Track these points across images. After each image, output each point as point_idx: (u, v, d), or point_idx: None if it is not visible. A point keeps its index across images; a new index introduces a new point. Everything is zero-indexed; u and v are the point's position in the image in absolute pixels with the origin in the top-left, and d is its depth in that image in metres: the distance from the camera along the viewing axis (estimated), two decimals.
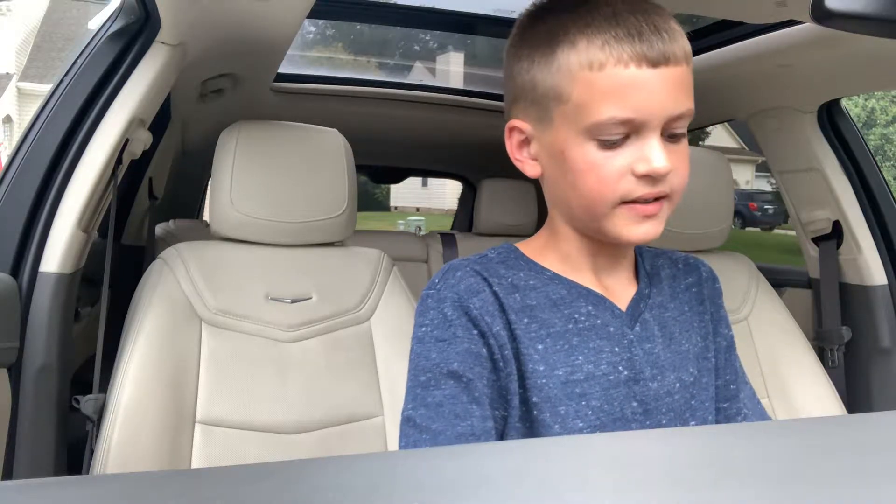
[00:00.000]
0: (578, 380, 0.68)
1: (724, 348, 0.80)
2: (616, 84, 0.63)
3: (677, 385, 0.72)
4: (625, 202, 0.66)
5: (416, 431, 0.65)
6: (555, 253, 0.74)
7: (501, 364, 0.67)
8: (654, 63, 0.63)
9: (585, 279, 0.73)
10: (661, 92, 0.64)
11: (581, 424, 0.67)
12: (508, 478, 0.27)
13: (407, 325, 1.30)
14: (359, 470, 0.28)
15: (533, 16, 0.72)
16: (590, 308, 0.71)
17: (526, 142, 0.72)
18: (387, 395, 1.25)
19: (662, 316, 0.75)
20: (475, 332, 0.67)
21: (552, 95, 0.66)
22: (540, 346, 0.68)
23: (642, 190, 0.65)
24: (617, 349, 0.70)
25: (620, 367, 0.69)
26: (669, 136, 0.66)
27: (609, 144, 0.64)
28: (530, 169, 0.72)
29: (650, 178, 0.65)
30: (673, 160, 0.65)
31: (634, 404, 0.69)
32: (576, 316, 0.70)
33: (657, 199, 0.66)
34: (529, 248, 0.76)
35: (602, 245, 0.73)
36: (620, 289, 0.74)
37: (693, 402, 0.74)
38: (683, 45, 0.66)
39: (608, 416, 0.68)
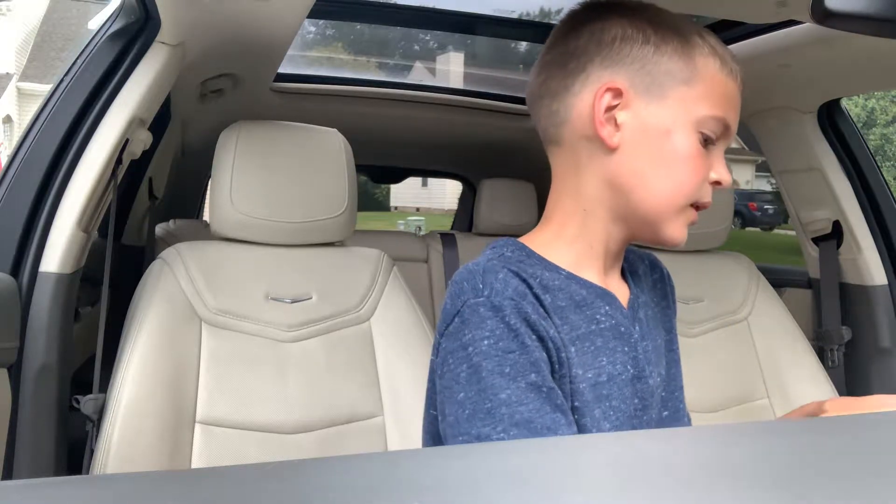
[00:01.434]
0: (603, 381, 0.68)
1: (677, 340, 0.83)
2: (728, 93, 0.70)
3: (658, 379, 0.75)
4: (692, 205, 0.71)
5: None
6: (566, 249, 0.72)
7: (557, 366, 0.65)
8: (741, 90, 0.72)
9: (594, 277, 0.72)
10: (737, 117, 0.72)
11: (607, 426, 0.67)
12: (508, 478, 0.27)
13: (407, 324, 1.31)
14: (359, 470, 0.28)
15: (661, 13, 0.72)
16: (607, 308, 0.71)
17: (613, 108, 0.69)
18: (387, 395, 1.25)
19: (647, 314, 0.77)
20: (535, 337, 0.64)
21: (679, 77, 0.68)
22: (573, 349, 0.67)
23: (710, 197, 0.71)
24: (626, 348, 0.70)
25: (629, 366, 0.70)
26: None
27: (706, 142, 0.69)
28: (609, 136, 0.68)
29: (716, 186, 0.71)
30: None
31: (636, 401, 0.70)
32: (597, 316, 0.70)
33: None
34: (535, 243, 0.73)
35: (626, 239, 0.73)
36: (617, 287, 0.75)
37: (664, 394, 0.76)
38: None
39: (623, 414, 0.69)
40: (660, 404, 0.75)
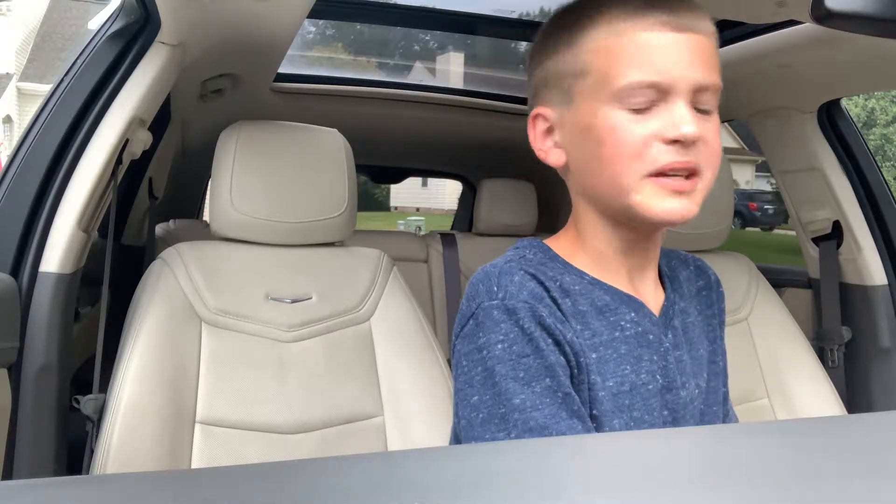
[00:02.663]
0: (625, 391, 0.66)
1: (724, 351, 0.80)
2: (640, 47, 0.63)
3: (696, 391, 0.72)
4: (652, 175, 0.63)
5: None
6: (586, 253, 0.71)
7: (576, 372, 0.64)
8: (679, 28, 0.63)
9: (620, 282, 0.70)
10: (687, 57, 0.63)
11: None
12: (508, 478, 0.27)
13: (407, 324, 1.30)
14: (359, 470, 0.28)
15: (556, 16, 0.72)
16: (632, 315, 0.69)
17: (549, 131, 0.70)
18: (387, 396, 1.25)
19: (685, 322, 0.74)
20: (551, 341, 0.62)
21: (572, 73, 0.67)
22: (594, 356, 0.65)
23: (670, 157, 0.63)
24: (655, 357, 0.68)
25: (657, 376, 0.68)
26: (697, 111, 0.64)
27: (636, 110, 0.63)
28: (554, 158, 0.70)
29: (679, 145, 0.62)
30: (703, 130, 0.63)
31: (665, 413, 0.68)
32: (622, 323, 0.68)
33: (688, 176, 0.64)
34: (559, 247, 0.72)
35: (633, 240, 0.70)
36: (650, 293, 0.73)
37: (703, 407, 0.73)
38: (708, 21, 0.66)
39: (648, 426, 0.67)
40: (697, 418, 0.72)
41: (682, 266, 0.80)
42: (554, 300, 0.65)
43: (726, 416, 0.80)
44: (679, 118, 0.62)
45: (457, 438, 0.70)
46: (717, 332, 0.79)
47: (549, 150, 0.70)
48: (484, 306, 0.64)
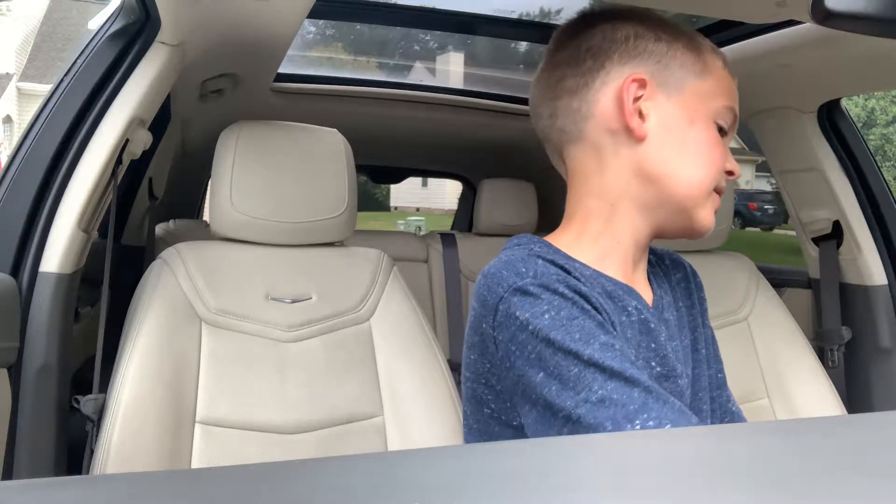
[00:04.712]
0: None
1: (710, 338, 0.82)
2: (732, 88, 0.75)
3: (686, 381, 0.74)
4: (715, 191, 0.74)
5: (628, 402, 0.58)
6: (590, 247, 0.72)
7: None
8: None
9: (618, 276, 0.72)
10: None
11: None
12: (508, 478, 0.27)
13: (407, 324, 1.31)
14: (359, 470, 0.28)
15: (646, 10, 0.76)
16: (635, 303, 0.70)
17: (638, 100, 0.70)
18: (387, 395, 1.25)
19: (671, 315, 0.77)
20: (590, 305, 0.63)
21: (693, 70, 0.71)
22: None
23: (725, 184, 0.75)
24: (653, 345, 0.70)
25: (654, 363, 0.69)
26: None
27: (721, 132, 0.73)
28: (638, 126, 0.69)
29: (729, 176, 0.74)
30: None
31: None
32: (628, 309, 0.69)
33: None
34: (559, 243, 0.73)
35: (648, 234, 0.73)
36: (642, 287, 0.75)
37: (688, 394, 0.75)
38: None
39: None
40: (692, 405, 0.74)
41: (658, 262, 0.82)
42: (577, 279, 0.66)
43: (727, 401, 0.82)
44: (730, 156, 0.75)
45: (491, 437, 0.68)
46: (698, 321, 0.81)
47: (633, 115, 0.70)
48: (516, 286, 0.63)
